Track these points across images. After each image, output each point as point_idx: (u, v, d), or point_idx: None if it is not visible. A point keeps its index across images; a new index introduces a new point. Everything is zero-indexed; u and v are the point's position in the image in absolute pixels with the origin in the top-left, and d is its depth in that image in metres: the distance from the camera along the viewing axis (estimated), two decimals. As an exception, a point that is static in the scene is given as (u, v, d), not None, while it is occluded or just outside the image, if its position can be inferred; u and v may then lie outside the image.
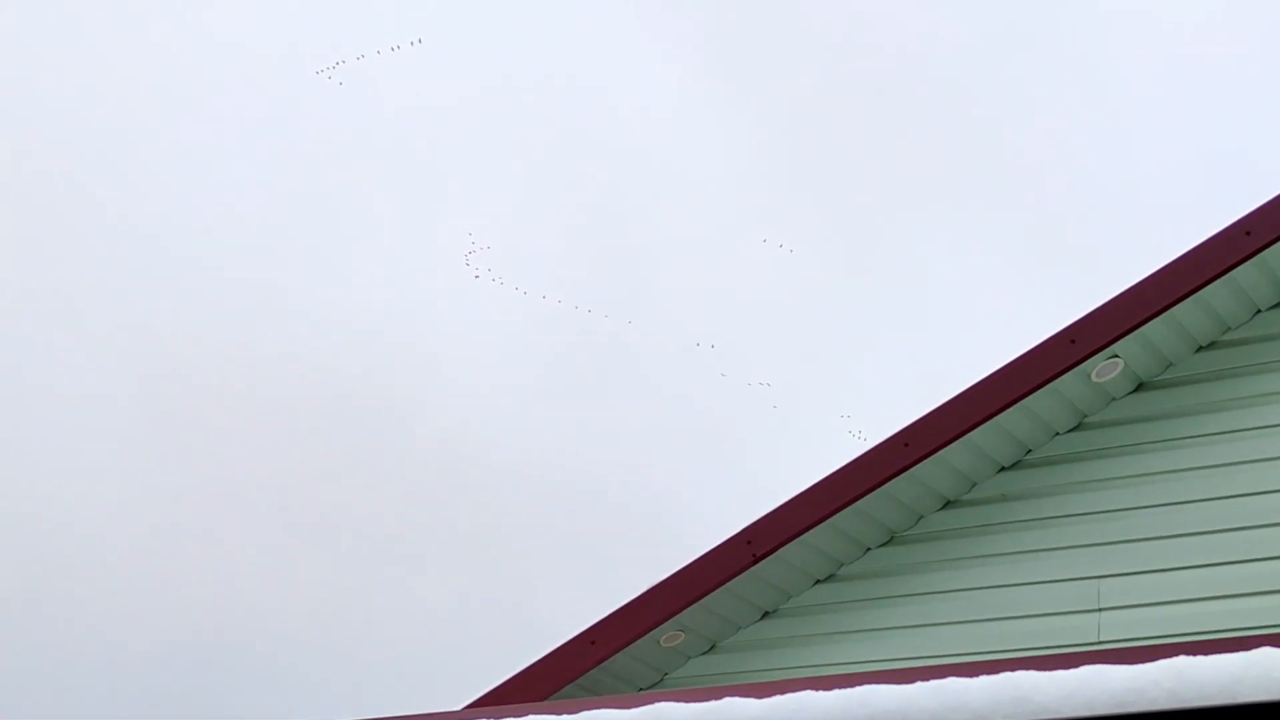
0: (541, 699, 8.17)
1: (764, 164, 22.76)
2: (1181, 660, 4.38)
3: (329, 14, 21.01)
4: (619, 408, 22.34)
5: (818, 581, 8.48)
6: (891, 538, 8.38)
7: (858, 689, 4.78)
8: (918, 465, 7.99)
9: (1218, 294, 7.70)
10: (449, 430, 21.86)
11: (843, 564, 8.43)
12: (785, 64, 22.62)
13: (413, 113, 21.56)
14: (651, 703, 5.15)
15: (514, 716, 5.83)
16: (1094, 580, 7.73)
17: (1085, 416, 8.07)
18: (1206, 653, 4.40)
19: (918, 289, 22.65)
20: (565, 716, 5.38)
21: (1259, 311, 7.87)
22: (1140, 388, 8.03)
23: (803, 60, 22.68)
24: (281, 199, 21.28)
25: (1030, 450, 8.16)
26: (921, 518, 8.33)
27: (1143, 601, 7.56)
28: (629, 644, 8.30)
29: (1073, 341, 7.80)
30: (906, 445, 8.00)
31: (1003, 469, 8.21)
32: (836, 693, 4.81)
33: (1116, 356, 7.81)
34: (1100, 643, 7.52)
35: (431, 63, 21.05)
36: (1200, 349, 7.95)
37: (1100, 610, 7.65)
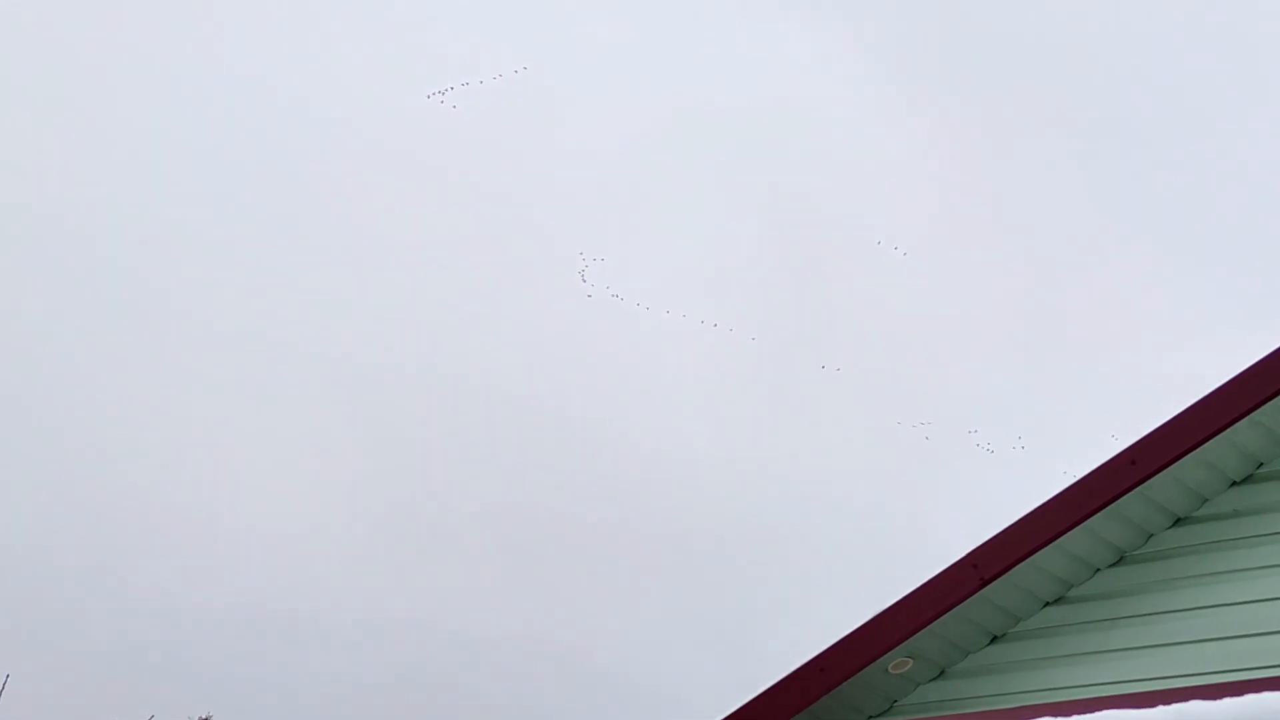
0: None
1: (964, 185, 22.58)
2: None
3: (519, 40, 21.24)
4: (830, 436, 22.25)
5: (1046, 604, 8.36)
6: (1121, 557, 8.23)
7: (1097, 714, 4.72)
8: (1146, 482, 7.85)
9: None
10: (655, 456, 21.96)
11: (1072, 585, 8.30)
12: (985, 85, 22.42)
13: (600, 135, 21.75)
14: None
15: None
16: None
17: (1320, 427, 7.88)
18: None
19: (1122, 307, 22.27)
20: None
21: None
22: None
23: (1002, 81, 22.46)
24: (475, 225, 21.54)
25: (1262, 464, 7.97)
26: (1151, 536, 8.17)
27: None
28: (857, 671, 8.26)
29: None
30: (1133, 463, 7.86)
31: (1234, 484, 8.03)
32: (1075, 718, 4.75)
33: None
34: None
35: (619, 85, 21.27)
36: None
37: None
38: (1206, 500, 8.07)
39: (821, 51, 21.81)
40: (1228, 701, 4.53)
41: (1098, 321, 22.21)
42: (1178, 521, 8.13)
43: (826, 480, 21.65)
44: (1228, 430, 7.72)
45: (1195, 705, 4.60)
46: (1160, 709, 4.66)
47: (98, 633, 18.94)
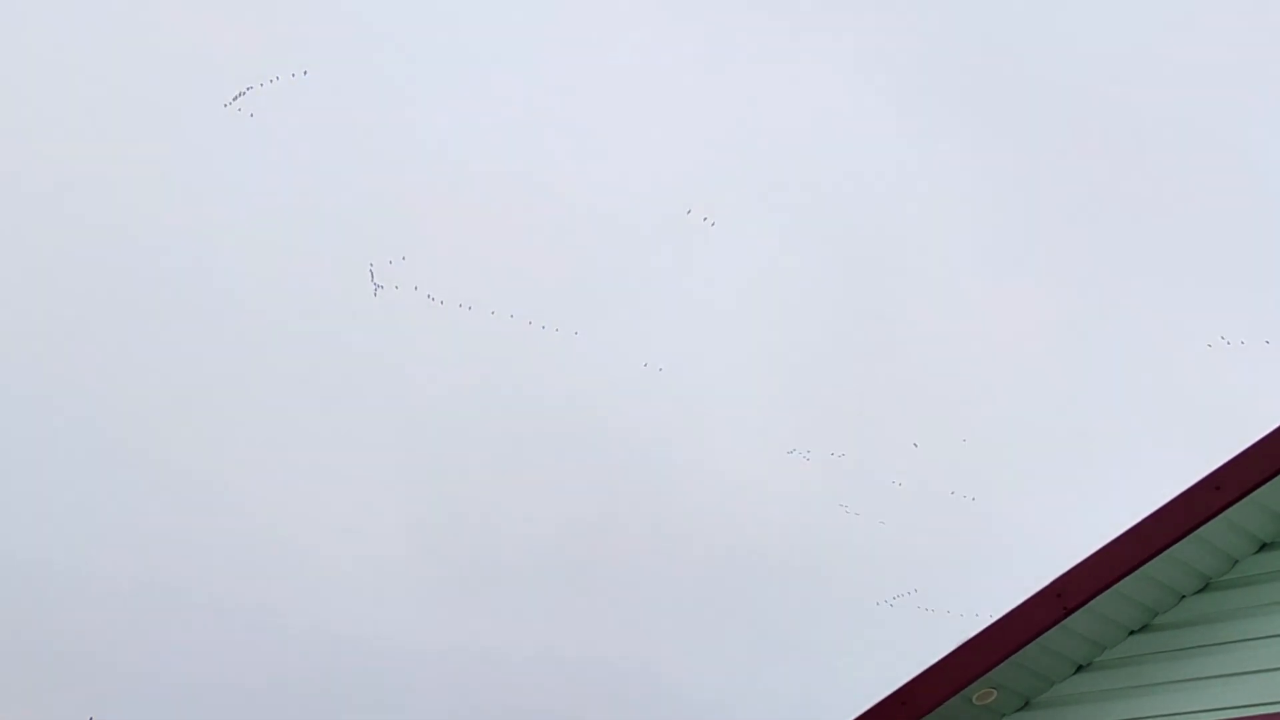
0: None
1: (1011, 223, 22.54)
2: None
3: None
4: (891, 468, 22.14)
5: (1132, 632, 8.27)
6: (1206, 584, 8.14)
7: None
8: (1231, 508, 7.76)
9: None
10: (718, 491, 21.93)
11: (1157, 613, 8.21)
12: (1029, 120, 22.37)
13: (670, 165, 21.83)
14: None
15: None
16: None
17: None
18: None
19: (1176, 340, 22.08)
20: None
21: None
22: None
23: (1047, 116, 22.41)
24: (535, 245, 21.61)
25: (1349, 487, 7.87)
26: (1237, 562, 8.08)
27: None
28: (941, 703, 8.19)
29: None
30: (1218, 488, 7.77)
31: (1321, 508, 7.94)
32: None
33: None
34: None
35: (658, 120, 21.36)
36: None
37: None
38: (1292, 525, 7.98)
39: (841, 76, 21.88)
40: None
41: (1145, 341, 22.04)
42: (1263, 547, 8.03)
43: (887, 503, 21.55)
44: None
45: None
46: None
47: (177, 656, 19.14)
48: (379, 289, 19.37)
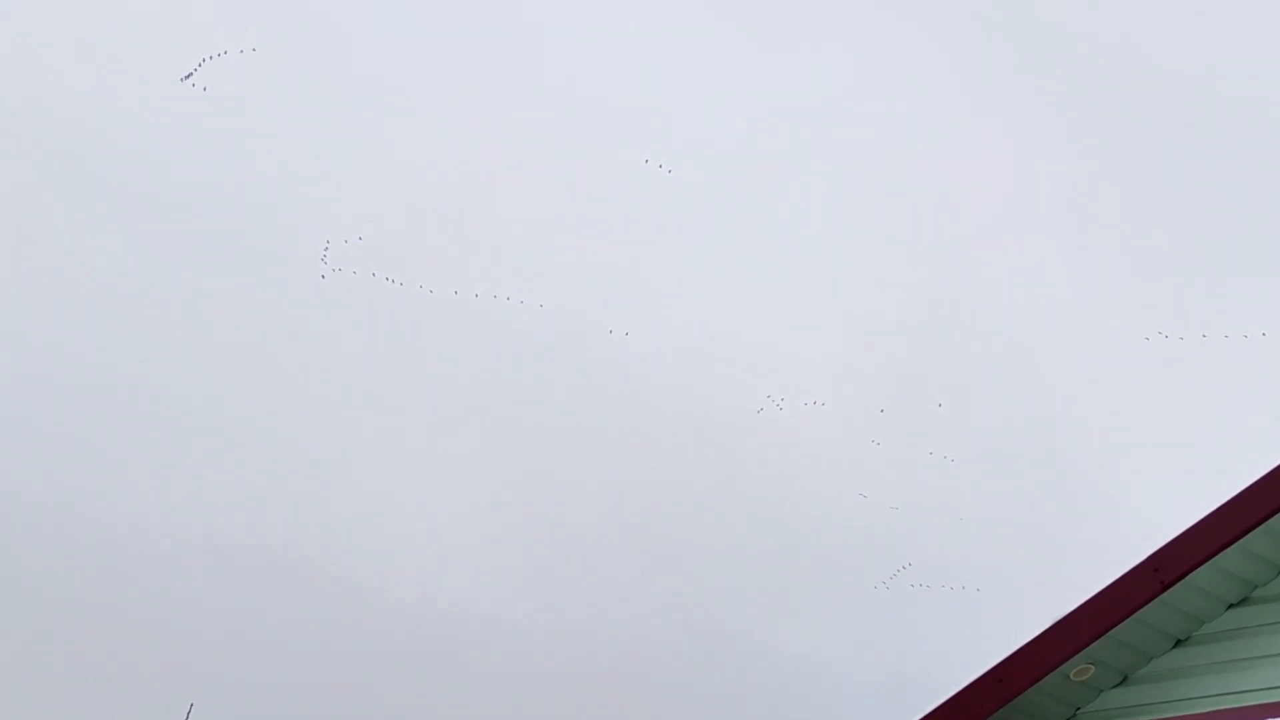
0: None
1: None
2: None
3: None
4: (985, 448, 22.02)
5: (1230, 606, 8.19)
6: (1307, 556, 8.06)
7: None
8: (1330, 478, 7.68)
9: None
10: (786, 475, 21.89)
11: (1255, 586, 8.13)
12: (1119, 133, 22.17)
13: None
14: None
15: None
16: None
17: None
18: None
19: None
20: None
21: None
22: None
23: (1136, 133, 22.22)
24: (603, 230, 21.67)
25: None
26: (1338, 533, 7.98)
27: None
28: (1038, 680, 8.16)
29: None
30: (1317, 459, 7.70)
31: None
32: (1269, 724, 4.66)
33: None
34: None
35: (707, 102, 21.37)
36: None
37: None
38: (1395, 496, 7.87)
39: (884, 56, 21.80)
40: None
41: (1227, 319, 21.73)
42: (1365, 518, 7.94)
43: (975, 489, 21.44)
44: None
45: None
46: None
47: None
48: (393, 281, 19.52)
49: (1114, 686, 8.39)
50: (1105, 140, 22.33)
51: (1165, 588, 7.99)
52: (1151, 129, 22.06)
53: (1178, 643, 8.28)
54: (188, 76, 17.92)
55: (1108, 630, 8.06)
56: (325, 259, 19.38)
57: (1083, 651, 8.11)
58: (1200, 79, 21.68)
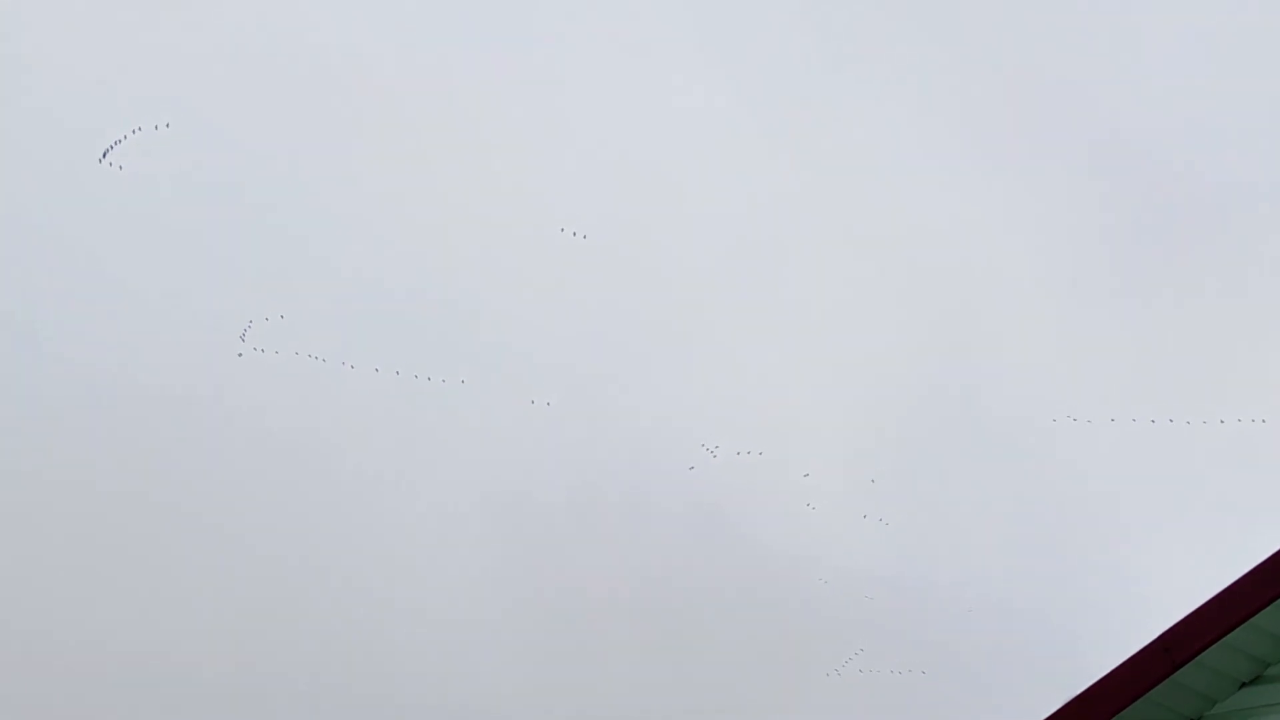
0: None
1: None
2: None
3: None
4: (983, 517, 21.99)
5: (1242, 685, 8.12)
6: (1318, 634, 7.99)
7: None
8: (1341, 555, 7.63)
9: None
10: (786, 542, 21.87)
11: (1268, 665, 8.06)
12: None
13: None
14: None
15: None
16: None
17: None
18: None
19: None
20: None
21: None
22: None
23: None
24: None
25: None
26: (1349, 610, 7.92)
27: None
28: (1050, 762, 8.09)
29: None
30: (1327, 536, 7.64)
31: None
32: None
33: None
34: None
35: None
36: None
37: None
38: (1405, 571, 7.81)
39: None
40: None
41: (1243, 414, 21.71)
42: (1376, 595, 7.88)
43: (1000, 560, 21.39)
44: None
45: None
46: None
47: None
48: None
49: (1127, 766, 8.31)
50: (1108, 225, 22.45)
51: (1177, 667, 7.91)
52: (1154, 214, 22.21)
53: (1190, 722, 8.21)
54: (104, 155, 18.01)
55: (1120, 711, 7.99)
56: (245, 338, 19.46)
57: (1094, 732, 8.04)
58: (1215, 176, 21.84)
